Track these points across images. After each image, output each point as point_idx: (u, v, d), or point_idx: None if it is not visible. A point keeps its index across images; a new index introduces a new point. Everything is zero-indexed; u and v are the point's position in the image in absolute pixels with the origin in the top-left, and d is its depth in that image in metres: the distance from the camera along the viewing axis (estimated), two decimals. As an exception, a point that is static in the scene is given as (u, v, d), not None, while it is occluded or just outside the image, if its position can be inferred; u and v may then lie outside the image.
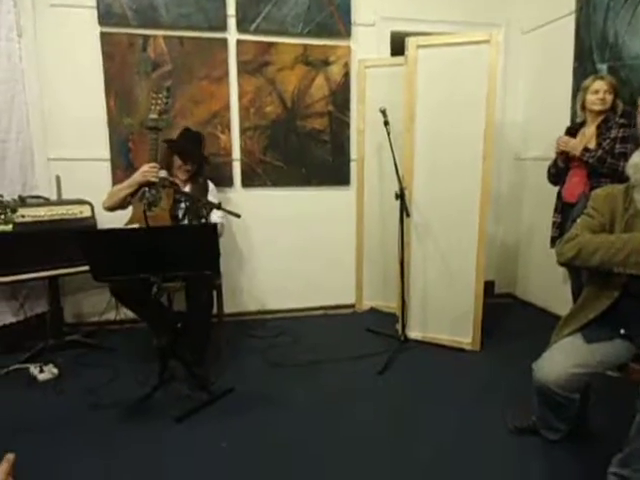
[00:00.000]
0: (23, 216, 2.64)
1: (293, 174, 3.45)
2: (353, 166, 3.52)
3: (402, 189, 2.82)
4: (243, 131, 3.35)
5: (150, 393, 2.26)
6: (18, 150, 3.00)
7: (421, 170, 2.91)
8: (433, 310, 3.00)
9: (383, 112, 2.82)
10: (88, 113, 3.13)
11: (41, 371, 2.49)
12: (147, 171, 2.49)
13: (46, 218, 2.71)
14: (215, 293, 2.77)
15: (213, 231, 2.06)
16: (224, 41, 3.25)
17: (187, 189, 2.79)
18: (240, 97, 3.32)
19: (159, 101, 2.57)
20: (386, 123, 2.83)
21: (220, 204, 2.47)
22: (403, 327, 2.99)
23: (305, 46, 3.35)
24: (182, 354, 2.34)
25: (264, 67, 3.33)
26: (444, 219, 2.89)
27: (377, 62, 3.38)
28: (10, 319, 2.87)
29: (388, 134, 2.84)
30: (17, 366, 2.57)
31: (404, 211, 2.84)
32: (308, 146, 3.45)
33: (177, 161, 2.79)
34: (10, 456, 0.62)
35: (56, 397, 2.29)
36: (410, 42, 2.82)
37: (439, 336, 2.98)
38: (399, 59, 3.16)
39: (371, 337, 3.07)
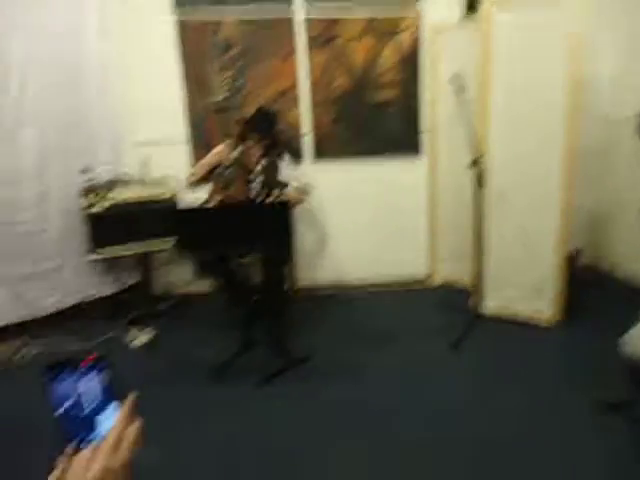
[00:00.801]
0: (115, 197, 2.88)
1: (363, 146, 3.44)
2: (425, 136, 3.43)
3: (477, 157, 2.72)
4: (312, 106, 3.38)
5: (233, 359, 2.42)
6: (110, 135, 3.25)
7: (497, 136, 2.78)
8: (510, 283, 2.90)
9: (456, 78, 2.71)
10: (168, 97, 3.31)
11: (135, 338, 2.74)
12: (219, 151, 2.61)
13: (136, 198, 2.93)
14: (289, 267, 2.87)
15: (286, 208, 2.14)
16: (291, 18, 3.27)
17: (262, 165, 2.87)
18: (309, 72, 3.34)
19: (225, 83, 2.66)
20: (459, 89, 2.72)
21: (289, 183, 2.54)
22: (478, 301, 2.93)
23: (373, 16, 3.28)
24: (261, 324, 2.48)
25: (332, 41, 3.31)
26: (522, 188, 2.76)
27: (448, 25, 3.23)
28: (108, 291, 3.17)
29: (461, 101, 2.73)
30: (112, 334, 2.85)
31: (479, 181, 2.74)
32: (378, 117, 3.41)
33: (252, 138, 2.87)
34: (132, 396, 0.69)
35: (150, 360, 2.52)
36: None
37: (517, 310, 2.88)
38: (472, 19, 3.00)
39: (444, 311, 3.05)
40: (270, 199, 2.59)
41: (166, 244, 2.92)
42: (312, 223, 3.51)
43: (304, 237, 3.49)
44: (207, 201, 2.67)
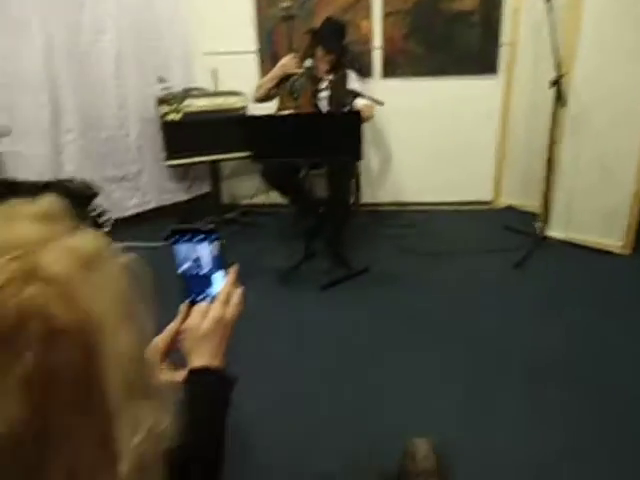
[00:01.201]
0: (189, 106, 2.98)
1: (435, 63, 3.29)
2: (503, 51, 3.22)
3: (560, 75, 2.55)
4: (385, 17, 3.22)
5: (296, 265, 2.57)
6: (180, 47, 3.29)
7: (586, 52, 2.58)
8: (580, 209, 2.81)
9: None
10: (238, 6, 3.26)
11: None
12: (285, 64, 2.59)
13: (207, 108, 3.02)
14: (354, 182, 2.92)
15: (357, 118, 2.14)
16: None
17: (330, 79, 2.84)
18: (383, -22, 3.15)
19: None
20: (548, -3, 2.50)
21: (361, 92, 2.51)
22: (544, 225, 2.88)
23: None
24: (324, 234, 2.59)
25: (409, -59, 3.08)
26: (605, 104, 2.58)
27: None
28: (181, 197, 3.37)
29: (549, 10, 2.52)
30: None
31: (559, 100, 2.59)
32: (454, 30, 3.21)
33: (319, 51, 2.83)
34: (236, 266, 0.81)
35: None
36: None
37: (584, 237, 2.81)
38: None
39: (508, 234, 3.02)
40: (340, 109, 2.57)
41: (236, 154, 3.03)
42: (377, 141, 3.49)
43: (369, 154, 3.49)
44: (276, 113, 2.71)
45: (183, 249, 0.77)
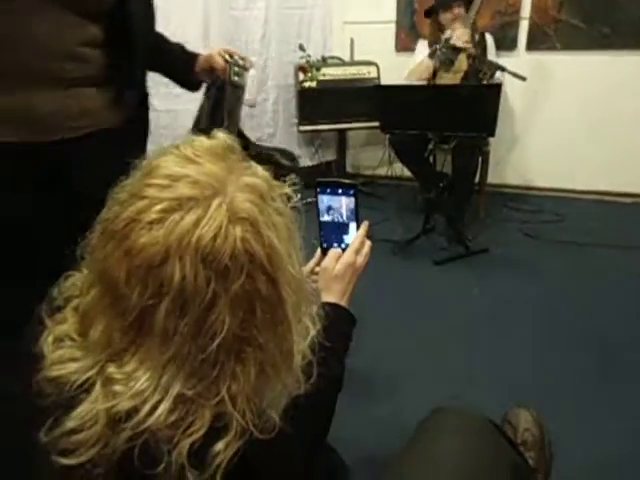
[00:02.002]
0: (324, 75, 3.09)
1: (591, 35, 2.98)
2: (678, 23, 2.82)
3: None
4: (537, -17, 2.99)
5: (414, 238, 2.59)
6: (321, 15, 3.38)
7: None
8: None
9: None
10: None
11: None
12: (427, 67, 2.49)
13: (341, 77, 3.10)
14: (481, 160, 2.82)
15: (497, 92, 2.06)
16: None
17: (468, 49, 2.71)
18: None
19: None
20: None
21: (503, 66, 2.39)
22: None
23: None
24: (445, 210, 2.56)
25: None
26: None
27: None
28: (307, 162, 3.54)
29: None
30: (311, 199, 3.22)
31: None
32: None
33: (447, 16, 2.64)
34: (366, 223, 0.89)
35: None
36: None
37: None
38: None
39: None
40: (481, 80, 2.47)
41: (365, 124, 3.09)
42: (514, 120, 3.29)
43: (500, 133, 3.30)
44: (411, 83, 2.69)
45: (325, 199, 0.87)
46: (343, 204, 0.87)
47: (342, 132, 3.33)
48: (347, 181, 0.87)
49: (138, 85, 1.11)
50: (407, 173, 3.03)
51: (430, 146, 2.39)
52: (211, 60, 1.22)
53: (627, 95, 3.00)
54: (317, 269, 0.87)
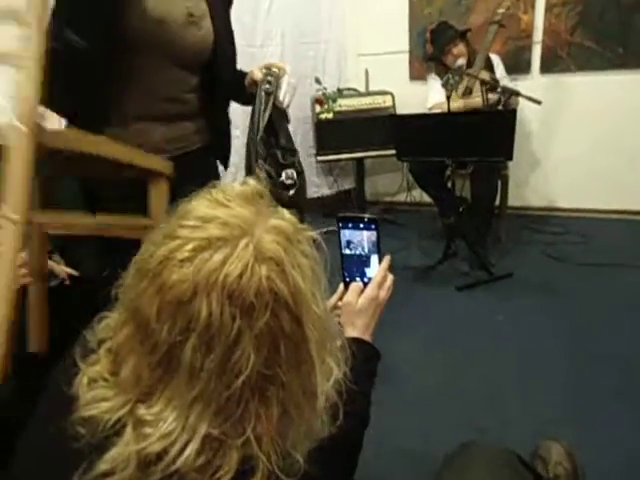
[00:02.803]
0: (340, 105, 3.16)
1: (606, 56, 2.98)
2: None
3: None
4: (549, 8, 3.02)
5: (436, 264, 2.58)
6: (336, 48, 3.48)
7: None
8: None
9: None
10: (392, 7, 3.35)
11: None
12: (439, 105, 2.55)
13: (357, 107, 3.16)
14: (501, 183, 2.82)
15: (512, 118, 2.08)
16: None
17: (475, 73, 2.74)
18: (550, -32, 2.96)
19: None
20: None
21: (518, 91, 2.41)
22: None
23: None
24: (466, 234, 2.55)
25: None
26: None
27: None
28: (326, 191, 3.58)
29: None
30: (331, 228, 3.25)
31: None
32: (631, 20, 2.88)
33: (452, 50, 2.75)
34: (388, 257, 0.89)
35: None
36: None
37: None
38: None
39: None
40: (497, 106, 2.49)
41: (382, 152, 3.12)
42: (531, 142, 3.29)
43: (519, 155, 3.29)
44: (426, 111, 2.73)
45: (347, 233, 0.89)
46: (365, 238, 0.88)
47: (360, 160, 3.37)
48: (368, 215, 0.88)
49: (221, 117, 1.45)
50: (426, 199, 3.04)
51: (448, 172, 2.41)
52: (252, 74, 1.38)
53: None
54: (340, 303, 0.87)
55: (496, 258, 2.66)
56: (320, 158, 3.28)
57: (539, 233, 3.02)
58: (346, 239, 0.90)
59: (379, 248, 0.88)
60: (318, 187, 3.57)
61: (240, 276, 0.48)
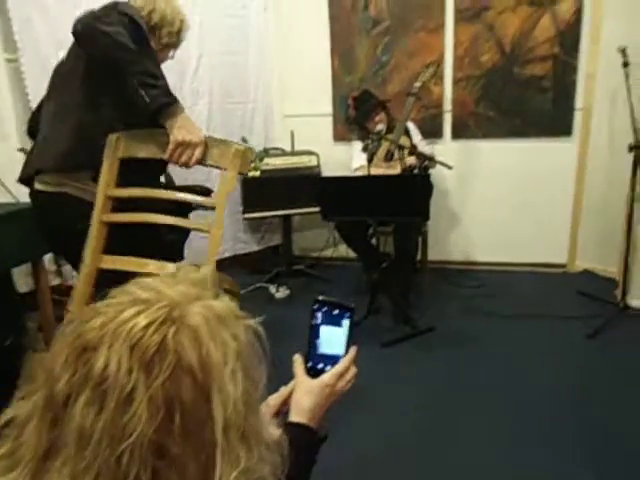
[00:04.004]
0: (267, 164, 3.22)
1: (506, 125, 3.32)
2: (577, 115, 3.20)
3: (638, 141, 2.50)
4: (456, 82, 3.34)
5: (360, 320, 2.60)
6: (262, 109, 3.59)
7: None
8: (665, 278, 2.65)
9: (623, 51, 2.51)
10: (316, 73, 3.54)
11: (277, 291, 3.08)
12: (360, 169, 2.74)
13: (283, 166, 3.24)
14: (420, 239, 2.96)
15: (426, 181, 2.22)
16: (442, -12, 3.23)
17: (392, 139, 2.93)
18: (455, 47, 3.29)
19: (426, 74, 2.88)
20: (625, 64, 2.50)
21: (432, 155, 2.60)
22: (624, 293, 2.72)
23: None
24: (389, 290, 2.62)
25: (482, 12, 3.22)
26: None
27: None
28: (254, 247, 3.57)
29: (626, 77, 2.51)
30: (259, 285, 3.22)
31: (638, 166, 2.52)
32: (526, 95, 3.25)
33: (373, 118, 2.94)
34: (355, 347, 0.84)
35: (289, 311, 2.83)
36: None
37: (670, 308, 2.63)
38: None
39: (583, 300, 2.89)
40: (413, 171, 2.66)
41: (308, 209, 3.19)
42: (447, 199, 3.52)
43: (438, 212, 3.51)
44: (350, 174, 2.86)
45: (320, 315, 0.85)
46: (337, 325, 0.85)
47: (287, 217, 3.42)
48: (346, 303, 0.85)
49: None
50: (353, 254, 3.12)
51: (370, 229, 2.50)
52: None
53: (544, 175, 3.31)
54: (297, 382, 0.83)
55: (419, 312, 2.75)
56: (247, 215, 3.29)
57: (458, 287, 3.18)
58: (319, 322, 0.85)
59: (349, 336, 0.84)
60: (246, 243, 3.56)
61: (146, 327, 0.47)
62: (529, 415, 1.89)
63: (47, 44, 2.82)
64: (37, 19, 2.79)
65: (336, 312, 0.84)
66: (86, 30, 1.36)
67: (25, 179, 1.58)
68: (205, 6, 3.20)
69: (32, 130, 1.70)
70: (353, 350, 0.84)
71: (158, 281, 0.54)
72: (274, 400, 0.82)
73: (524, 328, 2.60)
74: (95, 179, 1.45)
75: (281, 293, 3.05)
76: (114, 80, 1.39)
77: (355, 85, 3.46)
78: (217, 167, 1.43)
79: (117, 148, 1.45)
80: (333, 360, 0.84)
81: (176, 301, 0.51)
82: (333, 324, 0.84)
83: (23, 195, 2.55)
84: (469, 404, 1.99)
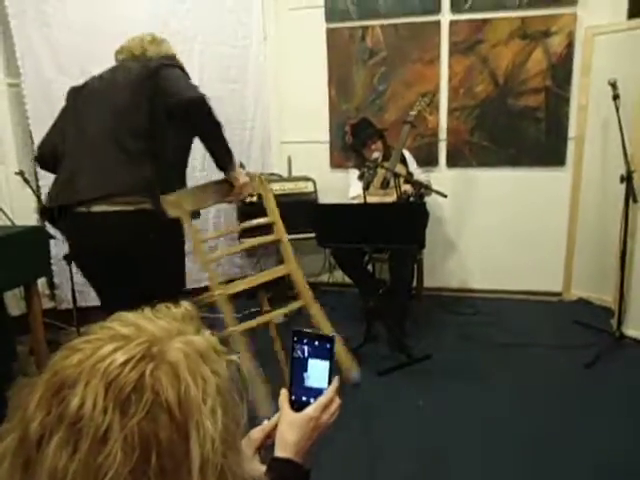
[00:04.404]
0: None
1: (501, 154, 3.37)
2: (570, 145, 3.26)
3: (630, 171, 2.54)
4: (451, 112, 3.41)
5: (356, 348, 2.59)
6: (260, 135, 3.63)
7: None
8: (660, 308, 2.66)
9: (613, 85, 2.57)
10: (313, 101, 3.59)
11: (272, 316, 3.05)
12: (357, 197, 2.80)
13: (280, 192, 3.26)
14: (416, 267, 2.97)
15: (421, 209, 2.24)
16: (437, 23, 3.33)
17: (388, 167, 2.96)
18: (450, 78, 3.37)
19: (422, 103, 2.98)
20: (615, 97, 2.57)
21: (427, 183, 2.63)
22: (619, 322, 2.72)
23: (523, 19, 3.20)
24: (386, 318, 2.61)
25: (476, 45, 3.31)
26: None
27: (609, 28, 3.03)
28: (249, 272, 3.55)
29: (617, 109, 2.57)
30: (254, 309, 3.18)
31: (630, 196, 2.56)
32: (519, 125, 3.32)
33: (370, 146, 2.99)
34: (337, 377, 0.83)
35: (284, 337, 2.80)
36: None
37: (666, 338, 2.63)
38: (638, 22, 2.79)
39: (578, 329, 2.88)
40: (409, 198, 2.68)
41: (304, 235, 3.20)
42: (442, 228, 3.54)
43: (434, 240, 3.53)
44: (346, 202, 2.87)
45: (301, 348, 0.84)
46: (317, 357, 0.83)
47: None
48: (324, 334, 0.85)
49: None
50: (348, 280, 3.11)
51: (366, 256, 2.51)
52: None
53: (538, 204, 3.35)
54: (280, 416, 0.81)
55: (415, 340, 2.73)
56: (243, 240, 3.28)
57: (453, 314, 3.17)
58: (299, 353, 0.84)
59: (331, 367, 0.83)
60: (241, 268, 3.55)
61: (124, 364, 0.46)
62: (526, 446, 1.86)
63: (49, 69, 2.87)
64: (40, 44, 2.84)
65: (316, 343, 0.83)
66: (201, 107, 1.70)
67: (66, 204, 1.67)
68: (206, 35, 3.27)
69: (45, 155, 1.77)
70: (336, 381, 0.83)
71: (139, 316, 0.54)
72: (257, 433, 0.81)
73: (521, 357, 2.58)
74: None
75: (276, 319, 3.02)
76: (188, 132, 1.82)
77: (352, 113, 3.52)
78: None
79: (185, 205, 1.79)
80: (316, 392, 0.82)
81: (156, 336, 0.50)
82: (315, 356, 0.83)
83: (20, 218, 2.56)
84: (465, 434, 1.96)
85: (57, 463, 0.44)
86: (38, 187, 2.77)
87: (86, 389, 0.45)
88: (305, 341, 0.83)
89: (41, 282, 2.55)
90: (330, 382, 0.83)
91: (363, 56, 3.50)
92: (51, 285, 2.99)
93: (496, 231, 3.44)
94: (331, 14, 3.47)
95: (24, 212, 2.71)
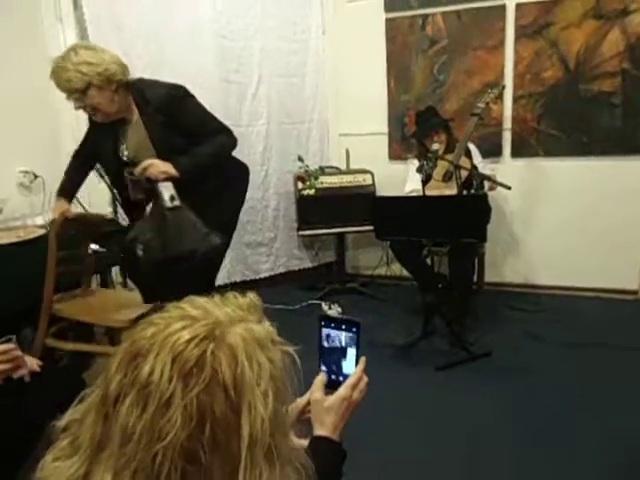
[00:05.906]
0: (322, 183, 3.27)
1: (571, 143, 3.18)
2: (650, 131, 3.02)
3: None
4: (516, 99, 3.26)
5: (415, 341, 2.57)
6: (318, 128, 3.66)
7: None
8: None
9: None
10: (372, 93, 3.56)
11: (329, 308, 3.09)
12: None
13: (338, 185, 3.28)
14: (477, 261, 2.88)
15: (483, 202, 2.18)
16: (502, 7, 3.19)
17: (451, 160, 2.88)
18: (516, 64, 3.22)
19: (490, 95, 2.85)
20: None
21: (491, 175, 2.54)
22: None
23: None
24: (445, 312, 2.56)
25: (545, 28, 3.13)
26: None
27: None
28: (308, 264, 3.62)
29: None
30: (312, 301, 3.25)
31: None
32: (592, 112, 3.11)
33: (433, 137, 2.89)
34: (364, 358, 0.89)
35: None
36: None
37: None
38: None
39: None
40: (470, 188, 2.60)
41: (362, 228, 3.21)
42: (506, 221, 3.41)
43: (497, 234, 3.40)
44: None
45: (327, 332, 0.90)
46: (344, 338, 0.89)
47: (340, 235, 3.44)
48: (351, 318, 0.89)
49: None
50: (407, 273, 3.08)
51: (425, 249, 2.47)
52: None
53: (611, 196, 3.14)
54: (312, 399, 0.86)
55: (475, 336, 2.66)
56: (302, 232, 3.34)
57: (516, 310, 3.05)
58: (326, 336, 0.90)
59: (358, 348, 0.88)
60: (300, 260, 3.61)
61: (189, 341, 0.52)
62: (591, 458, 1.76)
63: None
64: (115, 48, 3.01)
65: (344, 327, 0.88)
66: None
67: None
68: (265, 32, 3.33)
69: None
70: (362, 361, 0.88)
71: (208, 301, 0.59)
72: (293, 409, 0.85)
73: (589, 358, 2.44)
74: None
75: (333, 311, 3.05)
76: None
77: (411, 104, 3.46)
78: None
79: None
80: (346, 373, 0.88)
81: (220, 321, 0.55)
82: (341, 337, 0.89)
83: (96, 210, 2.75)
84: (523, 437, 1.88)
85: (128, 420, 0.50)
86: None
87: (156, 359, 0.51)
88: (332, 325, 0.89)
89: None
90: (357, 363, 0.88)
91: (423, 45, 3.41)
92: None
93: (564, 225, 3.26)
94: (390, 3, 3.41)
95: (100, 205, 2.90)
